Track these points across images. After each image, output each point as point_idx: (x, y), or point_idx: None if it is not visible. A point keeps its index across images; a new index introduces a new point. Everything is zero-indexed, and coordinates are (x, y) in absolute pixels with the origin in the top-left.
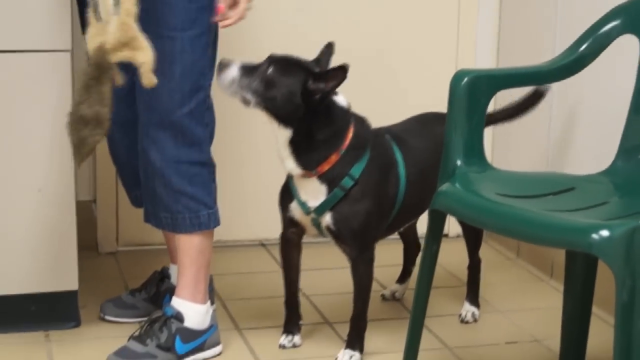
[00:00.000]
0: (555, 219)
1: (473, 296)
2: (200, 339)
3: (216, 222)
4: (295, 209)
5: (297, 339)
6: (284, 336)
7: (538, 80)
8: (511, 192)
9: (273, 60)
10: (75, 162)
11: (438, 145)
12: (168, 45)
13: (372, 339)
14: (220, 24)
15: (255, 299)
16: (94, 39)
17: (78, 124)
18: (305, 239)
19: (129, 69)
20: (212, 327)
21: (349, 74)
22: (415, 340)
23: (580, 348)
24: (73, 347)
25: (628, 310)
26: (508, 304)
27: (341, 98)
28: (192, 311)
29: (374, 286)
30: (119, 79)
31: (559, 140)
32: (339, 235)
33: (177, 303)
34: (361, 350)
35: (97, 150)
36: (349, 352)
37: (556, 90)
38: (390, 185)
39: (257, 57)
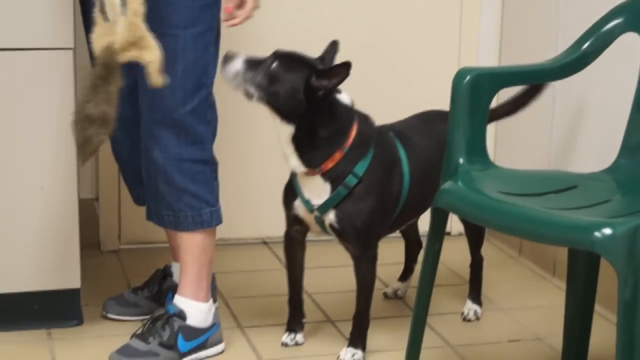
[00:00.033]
0: (558, 217)
1: (475, 294)
2: (203, 337)
3: (218, 220)
4: (299, 206)
5: (299, 337)
6: (286, 334)
7: (540, 78)
8: (514, 190)
9: (278, 55)
10: (80, 161)
11: (441, 143)
12: (171, 43)
13: (375, 337)
14: (228, 23)
15: (258, 297)
16: (101, 38)
17: (84, 123)
18: (308, 237)
19: (132, 68)
20: (214, 325)
21: (352, 72)
22: (418, 338)
23: (583, 346)
24: (75, 345)
25: (630, 308)
26: (510, 302)
27: (344, 96)
28: (195, 309)
29: (376, 284)
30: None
31: (562, 138)
32: (342, 233)
33: (180, 301)
34: (363, 349)
35: (100, 148)
36: (351, 350)
37: (559, 88)
38: (394, 183)
39: (259, 54)
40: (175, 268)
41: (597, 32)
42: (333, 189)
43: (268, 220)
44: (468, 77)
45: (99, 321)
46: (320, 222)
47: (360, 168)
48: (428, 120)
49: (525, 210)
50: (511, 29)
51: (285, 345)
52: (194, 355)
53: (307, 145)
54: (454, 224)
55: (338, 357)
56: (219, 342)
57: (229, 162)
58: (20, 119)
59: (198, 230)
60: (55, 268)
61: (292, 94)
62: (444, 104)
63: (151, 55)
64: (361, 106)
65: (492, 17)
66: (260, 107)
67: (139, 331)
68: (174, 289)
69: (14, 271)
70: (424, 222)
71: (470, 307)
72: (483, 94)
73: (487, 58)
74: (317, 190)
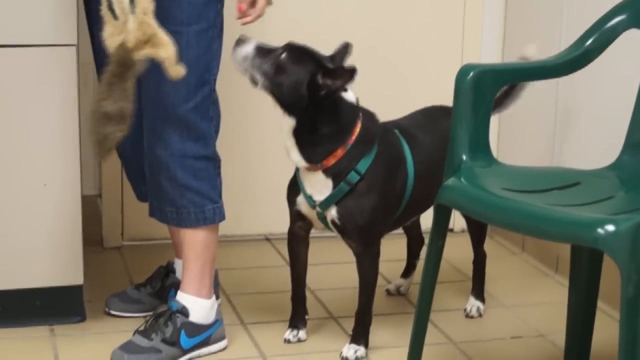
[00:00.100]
0: (561, 214)
1: (478, 291)
2: (206, 334)
3: (221, 217)
4: (301, 202)
5: (302, 333)
6: (289, 331)
7: (544, 75)
8: (517, 186)
9: (289, 47)
10: (98, 158)
11: (445, 140)
12: (174, 40)
13: (377, 333)
14: (241, 21)
15: (261, 293)
16: (113, 37)
17: (101, 120)
18: (311, 233)
19: None
20: (217, 321)
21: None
22: (420, 335)
23: (586, 343)
24: (78, 341)
25: (633, 304)
26: (513, 299)
27: (349, 93)
28: (197, 306)
29: (379, 281)
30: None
31: (565, 134)
32: (344, 230)
33: (182, 298)
34: (366, 345)
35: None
36: (354, 346)
37: (562, 85)
38: (398, 180)
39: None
40: (177, 264)
41: (601, 29)
42: (335, 185)
43: (271, 216)
44: (471, 74)
45: (101, 317)
46: (322, 218)
47: (363, 165)
48: (432, 116)
49: (528, 206)
50: (514, 26)
51: (287, 341)
52: (197, 352)
53: (308, 140)
54: (457, 220)
55: (341, 353)
56: (222, 338)
57: (232, 158)
58: (23, 116)
59: (201, 227)
60: (58, 264)
61: (296, 87)
62: (447, 101)
63: (166, 51)
64: (364, 103)
65: (495, 13)
66: (263, 104)
67: (142, 328)
68: (176, 286)
69: (17, 268)
70: (427, 219)
71: (473, 304)
72: (486, 91)
73: (490, 55)
74: (319, 186)
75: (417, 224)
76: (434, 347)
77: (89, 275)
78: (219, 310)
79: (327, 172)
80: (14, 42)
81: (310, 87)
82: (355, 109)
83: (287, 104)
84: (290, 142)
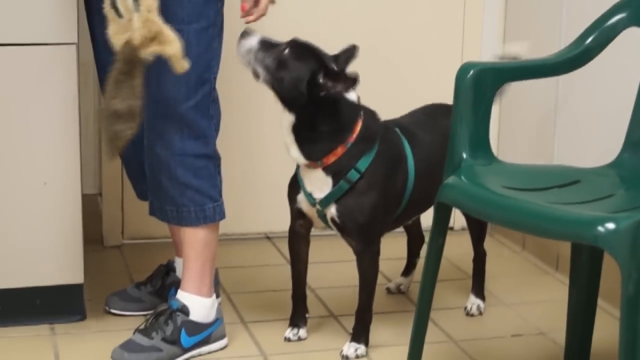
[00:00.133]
0: (561, 212)
1: (478, 289)
2: (206, 332)
3: (221, 215)
4: (302, 200)
5: (302, 332)
6: (289, 329)
7: (544, 73)
8: (517, 184)
9: (292, 43)
10: (109, 156)
11: (446, 139)
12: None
13: (378, 331)
14: (244, 20)
15: (261, 292)
16: (118, 35)
17: (111, 118)
18: (311, 232)
19: None
20: (217, 320)
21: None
22: (421, 333)
23: (586, 341)
24: (79, 340)
25: (634, 302)
26: (513, 297)
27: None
28: (198, 304)
29: (379, 279)
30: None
31: (565, 132)
32: (344, 228)
33: (183, 296)
34: (366, 343)
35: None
36: (354, 345)
37: (562, 83)
38: (399, 179)
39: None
40: (178, 263)
41: (601, 27)
42: (335, 183)
43: (271, 215)
44: (471, 72)
45: (102, 316)
46: (322, 216)
47: (363, 163)
48: (432, 114)
49: (529, 205)
50: (514, 24)
51: (288, 340)
52: (197, 350)
53: (308, 137)
54: (457, 218)
55: (341, 352)
56: (222, 337)
57: (233, 157)
58: (23, 115)
59: (201, 226)
60: (58, 263)
61: (296, 83)
62: (448, 99)
63: (172, 48)
64: (364, 101)
65: (496, 11)
66: (263, 103)
67: (142, 326)
68: (177, 284)
69: (17, 266)
70: (427, 217)
71: (473, 302)
72: (486, 89)
73: (491, 52)
74: (319, 183)
75: (418, 223)
76: (435, 346)
77: (89, 273)
78: (219, 308)
79: (327, 169)
80: (14, 41)
81: (310, 85)
82: (356, 108)
83: (287, 100)
84: (290, 139)
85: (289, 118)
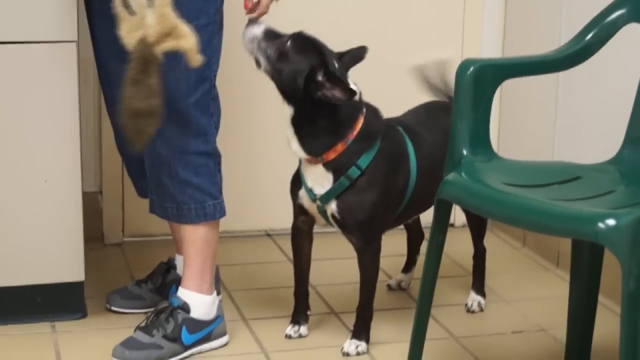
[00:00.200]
0: (562, 208)
1: (479, 285)
2: (207, 330)
3: (222, 213)
4: (303, 196)
5: (303, 329)
6: (290, 326)
7: (544, 69)
8: (517, 181)
9: (296, 36)
10: (135, 149)
11: (448, 137)
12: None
13: (378, 328)
14: (240, 18)
15: (262, 289)
16: (131, 34)
17: (132, 117)
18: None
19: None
20: (218, 317)
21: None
22: (422, 330)
23: (587, 337)
24: (79, 337)
25: (634, 299)
26: (514, 294)
27: (353, 88)
28: (199, 302)
29: (380, 276)
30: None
31: (565, 129)
32: (344, 224)
33: (183, 294)
34: (367, 340)
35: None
36: (355, 342)
37: (562, 79)
38: (400, 177)
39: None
40: (178, 261)
41: (601, 23)
42: (335, 179)
43: (272, 212)
44: (471, 69)
45: (102, 314)
46: (322, 212)
47: (364, 160)
48: (434, 112)
49: (529, 201)
50: (514, 20)
51: (289, 337)
52: (198, 348)
53: (307, 131)
54: (458, 215)
55: (342, 349)
56: (223, 334)
57: (233, 154)
58: (23, 112)
59: (201, 223)
60: (59, 261)
61: (294, 76)
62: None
63: (187, 42)
64: (364, 98)
65: (496, 8)
66: (264, 100)
67: (143, 324)
68: (177, 282)
69: (17, 264)
70: (427, 214)
71: (473, 299)
72: (486, 86)
73: (491, 49)
74: (319, 179)
75: (417, 219)
76: (435, 342)
77: (90, 271)
78: (220, 306)
79: (328, 165)
80: (15, 39)
81: (308, 81)
82: (357, 105)
83: (285, 92)
84: (290, 132)
85: (288, 110)
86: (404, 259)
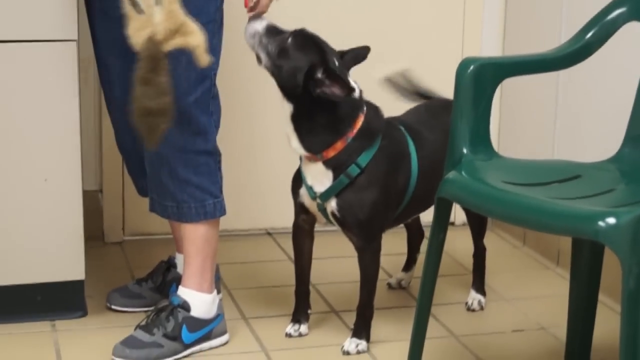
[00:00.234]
0: (562, 207)
1: (479, 284)
2: (207, 328)
3: (222, 211)
4: (304, 194)
5: (303, 328)
6: (290, 325)
7: (544, 68)
8: (517, 180)
9: (297, 33)
10: (148, 147)
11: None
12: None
13: (379, 327)
14: (244, 16)
15: (262, 287)
16: (139, 32)
17: (144, 116)
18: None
19: (135, 59)
20: (218, 316)
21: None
22: (422, 328)
23: (587, 336)
24: (79, 336)
25: (634, 297)
26: (514, 292)
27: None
28: (199, 300)
29: (380, 274)
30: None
31: (565, 127)
32: (344, 222)
33: (184, 292)
34: (367, 339)
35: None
36: (355, 340)
37: (562, 78)
38: (400, 176)
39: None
40: (179, 259)
41: (601, 22)
42: (335, 177)
43: (272, 211)
44: (471, 67)
45: (103, 312)
46: (322, 209)
47: (364, 159)
48: (436, 112)
49: (529, 200)
50: (515, 19)
51: (289, 335)
52: (198, 347)
53: (307, 128)
54: (458, 214)
55: (342, 347)
56: (223, 333)
57: (233, 153)
58: (23, 111)
59: (202, 222)
60: (59, 260)
61: (294, 72)
62: (448, 94)
63: (195, 39)
64: (364, 98)
65: (496, 6)
66: (264, 99)
67: (143, 322)
68: (178, 280)
69: (18, 263)
70: (427, 213)
71: (474, 297)
72: (487, 84)
73: (491, 48)
74: (319, 177)
75: (417, 218)
76: (436, 341)
77: (90, 270)
78: (220, 304)
79: (327, 163)
80: (14, 38)
81: (307, 78)
82: (357, 103)
83: (286, 89)
84: (290, 128)
85: (288, 107)
86: (404, 258)
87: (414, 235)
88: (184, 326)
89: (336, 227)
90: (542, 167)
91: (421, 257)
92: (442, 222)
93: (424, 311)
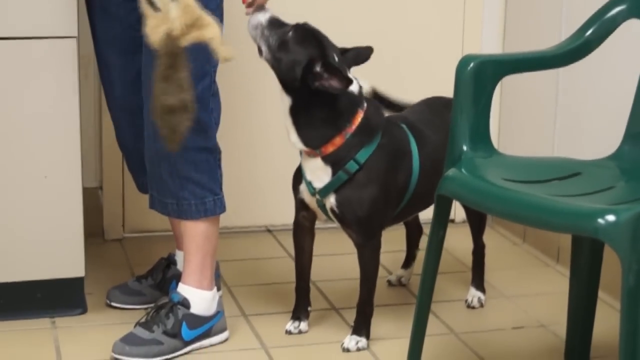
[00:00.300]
0: (562, 204)
1: (478, 281)
2: (207, 325)
3: (222, 208)
4: (303, 190)
5: (303, 325)
6: (290, 322)
7: (544, 65)
8: (517, 177)
9: (298, 27)
10: (170, 149)
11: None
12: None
13: (379, 324)
14: (244, 14)
15: (262, 284)
16: (156, 29)
17: (165, 115)
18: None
19: (135, 56)
20: (218, 313)
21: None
22: (422, 325)
23: (587, 333)
24: (79, 333)
25: (634, 294)
26: (514, 289)
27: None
28: (199, 297)
29: (380, 272)
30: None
31: (565, 125)
32: (343, 219)
33: (184, 289)
34: (367, 336)
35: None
36: (355, 337)
37: (562, 75)
38: (401, 174)
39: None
40: (179, 256)
41: (601, 19)
42: (334, 173)
43: (272, 208)
44: (472, 64)
45: (103, 310)
46: (321, 205)
47: (363, 155)
48: (438, 110)
49: (529, 197)
50: (515, 16)
51: (289, 332)
52: (198, 344)
53: (305, 122)
54: (458, 211)
55: (342, 344)
56: (223, 330)
57: (233, 150)
58: (23, 108)
59: (202, 219)
60: (59, 257)
61: (292, 66)
62: (448, 92)
63: (210, 31)
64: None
65: (496, 4)
66: (264, 96)
67: (143, 319)
68: (177, 277)
69: (17, 260)
70: (427, 210)
71: (473, 294)
72: (487, 81)
73: (491, 45)
74: (318, 172)
75: (416, 214)
76: (436, 338)
77: (90, 267)
78: (220, 301)
79: (326, 159)
80: (15, 35)
81: (306, 71)
82: (356, 99)
83: (284, 81)
84: (289, 122)
85: (287, 100)
86: (403, 255)
87: (413, 232)
88: (184, 323)
89: (336, 224)
90: (542, 164)
91: (421, 255)
92: (442, 220)
93: (424, 308)
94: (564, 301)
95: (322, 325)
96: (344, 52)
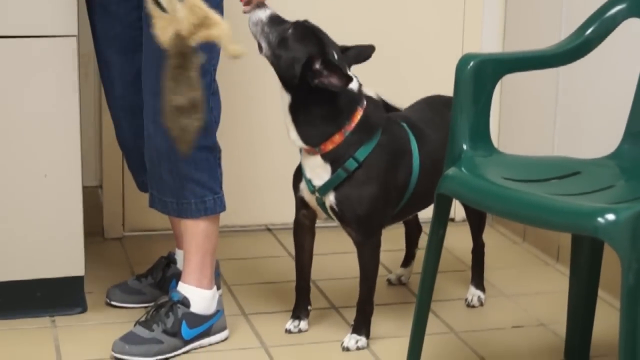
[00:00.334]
0: (561, 203)
1: (478, 280)
2: (207, 324)
3: (222, 207)
4: (303, 188)
5: (303, 324)
6: (290, 321)
7: (544, 64)
8: (517, 176)
9: (298, 24)
10: (181, 150)
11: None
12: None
13: (379, 323)
14: (242, 9)
15: (262, 283)
16: (165, 30)
17: (176, 115)
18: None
19: (135, 55)
20: (218, 312)
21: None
22: (422, 324)
23: (586, 332)
24: (79, 332)
25: (634, 293)
26: (514, 288)
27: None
28: (198, 296)
29: (380, 271)
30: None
31: (565, 124)
32: (342, 217)
33: (183, 288)
34: (367, 335)
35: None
36: (355, 336)
37: (562, 74)
38: (401, 173)
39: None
40: (179, 255)
41: (600, 18)
42: (333, 171)
43: (272, 207)
44: (472, 63)
45: (102, 308)
46: (321, 203)
47: (362, 153)
48: (438, 109)
49: (529, 196)
50: (515, 15)
51: (289, 331)
52: (198, 343)
53: (304, 120)
54: (458, 210)
55: (342, 343)
56: (223, 329)
57: (233, 148)
58: (23, 107)
59: (202, 218)
60: (59, 255)
61: (292, 63)
62: (448, 91)
63: (218, 30)
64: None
65: (496, 5)
66: (264, 95)
67: (143, 318)
68: (177, 276)
69: (17, 259)
70: (427, 209)
71: (473, 293)
72: (487, 80)
73: (491, 45)
74: (318, 170)
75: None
76: (435, 337)
77: (90, 266)
78: (220, 300)
79: (326, 157)
80: (14, 33)
81: (305, 69)
82: (355, 96)
83: (284, 79)
84: (288, 119)
85: (286, 97)
86: (403, 254)
87: (412, 231)
88: (184, 322)
89: (336, 223)
90: (541, 163)
91: (420, 253)
92: (441, 218)
93: (424, 307)
94: (564, 300)
95: (322, 324)
96: (345, 50)
